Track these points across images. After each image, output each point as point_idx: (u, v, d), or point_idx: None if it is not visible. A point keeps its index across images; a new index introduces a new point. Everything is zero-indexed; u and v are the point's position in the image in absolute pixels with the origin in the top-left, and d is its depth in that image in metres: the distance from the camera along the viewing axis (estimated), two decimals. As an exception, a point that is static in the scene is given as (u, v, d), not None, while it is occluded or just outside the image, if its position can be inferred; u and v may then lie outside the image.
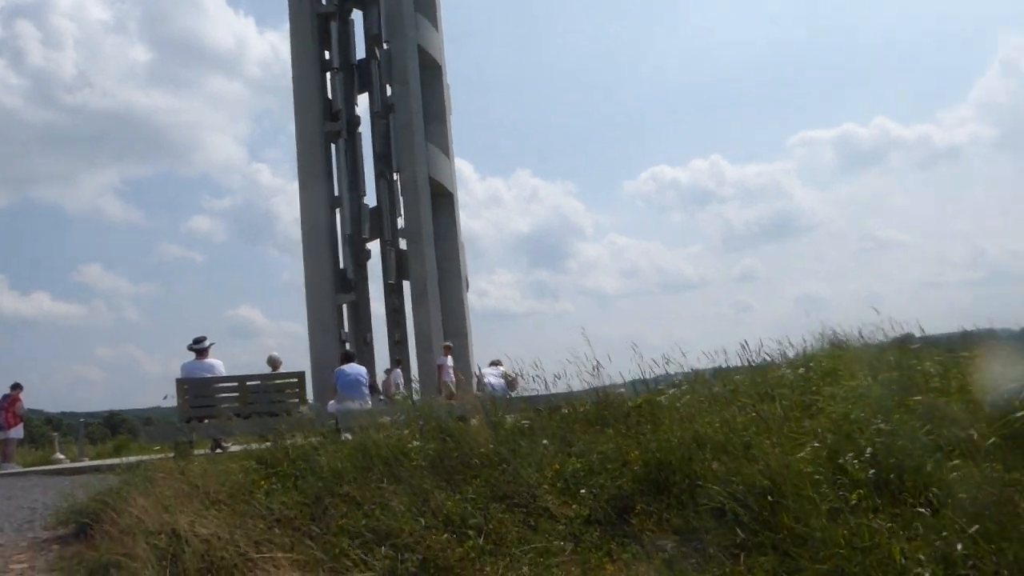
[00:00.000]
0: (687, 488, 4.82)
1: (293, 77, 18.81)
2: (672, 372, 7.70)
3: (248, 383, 8.88)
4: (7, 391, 14.74)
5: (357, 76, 19.66)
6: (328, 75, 19.14)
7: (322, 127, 18.70)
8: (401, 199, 18.39)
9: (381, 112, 19.65)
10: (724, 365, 7.72)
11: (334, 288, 18.44)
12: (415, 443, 5.90)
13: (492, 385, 10.30)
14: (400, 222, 19.21)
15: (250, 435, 8.63)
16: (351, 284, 18.87)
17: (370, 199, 19.64)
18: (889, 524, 3.92)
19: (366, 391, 9.14)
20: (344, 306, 19.05)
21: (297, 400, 8.82)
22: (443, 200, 18.68)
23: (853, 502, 4.16)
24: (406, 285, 19.64)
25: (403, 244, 19.30)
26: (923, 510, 4.00)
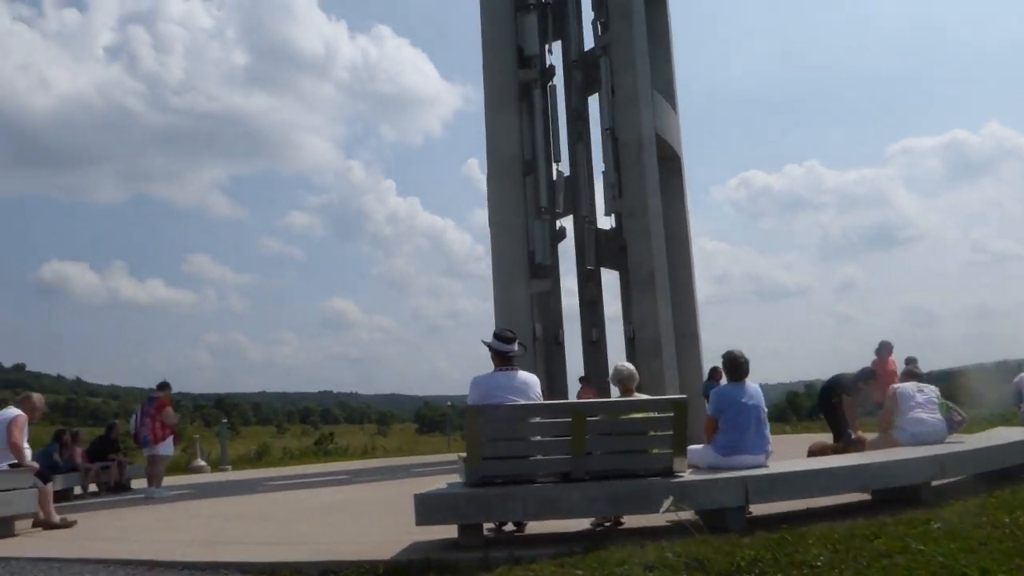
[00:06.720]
0: None
1: (482, 14, 15.43)
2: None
3: (589, 417, 5.13)
4: (154, 392, 11.80)
5: (552, 19, 16.13)
6: (518, 15, 15.68)
7: (515, 76, 15.24)
8: (614, 164, 14.65)
9: (579, 62, 16.09)
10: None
11: (527, 274, 14.97)
12: None
13: (925, 420, 6.51)
14: (598, 192, 15.68)
15: (593, 512, 5.10)
16: (544, 269, 15.39)
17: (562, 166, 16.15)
18: None
19: (769, 439, 5.45)
20: (531, 297, 15.59)
21: (671, 451, 5.12)
22: (669, 164, 14.90)
23: None
24: (604, 272, 16.11)
25: (602, 221, 15.73)
26: None
